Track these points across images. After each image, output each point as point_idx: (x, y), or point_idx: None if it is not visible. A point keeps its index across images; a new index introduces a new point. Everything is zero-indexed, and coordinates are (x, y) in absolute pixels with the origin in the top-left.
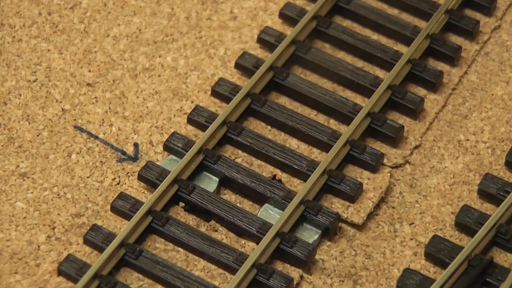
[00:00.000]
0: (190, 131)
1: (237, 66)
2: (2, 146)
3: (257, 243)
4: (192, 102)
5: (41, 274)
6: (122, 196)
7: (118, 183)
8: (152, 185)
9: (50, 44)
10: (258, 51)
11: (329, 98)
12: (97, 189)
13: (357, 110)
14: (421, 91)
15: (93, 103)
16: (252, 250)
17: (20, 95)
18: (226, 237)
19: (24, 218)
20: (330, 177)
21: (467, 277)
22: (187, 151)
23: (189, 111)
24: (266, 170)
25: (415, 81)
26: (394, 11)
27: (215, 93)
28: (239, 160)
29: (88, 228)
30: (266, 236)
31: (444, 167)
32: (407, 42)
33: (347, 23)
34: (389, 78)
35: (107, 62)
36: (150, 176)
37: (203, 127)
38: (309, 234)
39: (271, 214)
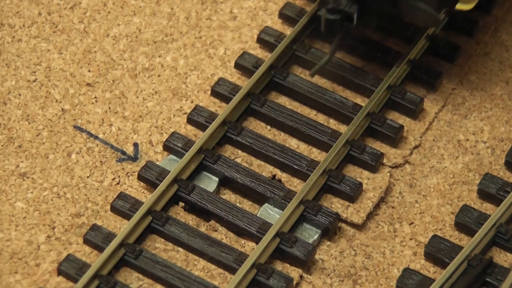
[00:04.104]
0: (190, 131)
1: (237, 66)
2: (2, 146)
3: (257, 243)
4: (192, 102)
5: (41, 274)
6: (122, 196)
7: (118, 183)
8: (152, 185)
9: (50, 44)
10: (258, 51)
11: (329, 98)
12: (97, 189)
13: (357, 110)
14: (421, 91)
15: (93, 103)
16: (252, 250)
17: (20, 95)
18: (226, 237)
19: (24, 218)
20: (330, 177)
21: (467, 277)
22: (187, 151)
23: (189, 111)
24: (266, 170)
25: (414, 81)
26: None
27: (215, 93)
28: (239, 160)
29: (88, 228)
30: (266, 236)
31: (443, 167)
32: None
33: None
34: (388, 78)
35: (107, 62)
36: (150, 176)
37: (203, 127)
38: (309, 234)
39: (271, 214)
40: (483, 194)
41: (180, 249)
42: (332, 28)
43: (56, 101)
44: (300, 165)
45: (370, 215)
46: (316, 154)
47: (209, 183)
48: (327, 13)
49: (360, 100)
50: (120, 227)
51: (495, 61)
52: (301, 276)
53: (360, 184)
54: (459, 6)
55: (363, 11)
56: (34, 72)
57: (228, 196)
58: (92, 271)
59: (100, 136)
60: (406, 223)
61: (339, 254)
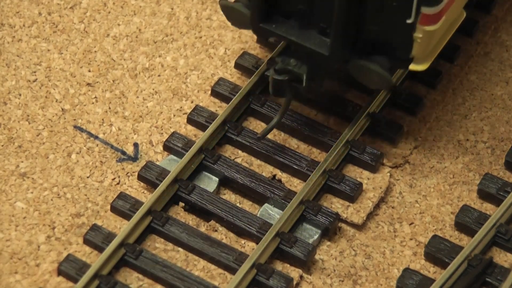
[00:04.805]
0: (190, 131)
1: (237, 66)
2: (2, 146)
3: (257, 243)
4: (192, 102)
5: (41, 274)
6: (122, 196)
7: (118, 183)
8: (152, 185)
9: (50, 44)
10: (258, 51)
11: (328, 98)
12: (97, 189)
13: (357, 109)
14: (421, 90)
15: (93, 103)
16: (252, 250)
17: (20, 95)
18: (226, 237)
19: (24, 218)
20: (330, 177)
21: (467, 277)
22: (187, 151)
23: (189, 111)
24: (266, 170)
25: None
26: None
27: (215, 93)
28: (239, 160)
29: (88, 228)
30: (266, 236)
31: (443, 167)
32: None
33: None
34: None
35: (107, 62)
36: (150, 176)
37: (203, 127)
38: (309, 234)
39: (271, 214)
40: (483, 194)
41: (180, 249)
42: (281, 89)
43: (56, 101)
44: (300, 165)
45: (370, 215)
46: (316, 154)
47: (209, 183)
48: (274, 73)
49: (360, 100)
50: (120, 227)
51: (495, 61)
52: (301, 276)
53: (360, 184)
54: (412, 67)
55: (313, 71)
56: (34, 72)
57: (228, 196)
58: (92, 271)
59: (100, 136)
60: (406, 223)
61: (339, 254)
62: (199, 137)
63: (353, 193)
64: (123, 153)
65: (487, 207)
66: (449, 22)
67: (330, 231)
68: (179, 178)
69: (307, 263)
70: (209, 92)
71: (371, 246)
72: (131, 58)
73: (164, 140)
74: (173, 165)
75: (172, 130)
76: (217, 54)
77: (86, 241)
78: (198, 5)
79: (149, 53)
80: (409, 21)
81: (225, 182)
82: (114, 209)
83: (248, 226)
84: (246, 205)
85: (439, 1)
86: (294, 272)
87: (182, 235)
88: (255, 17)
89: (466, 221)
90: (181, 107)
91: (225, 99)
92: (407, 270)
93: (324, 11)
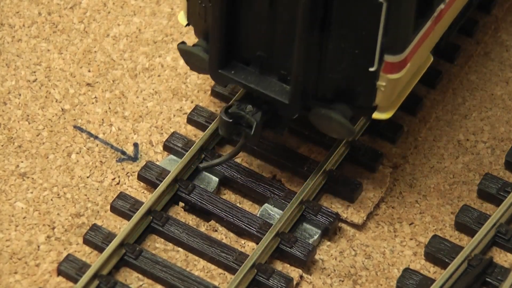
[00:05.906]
0: (190, 131)
1: None
2: (2, 146)
3: (257, 243)
4: (192, 102)
5: (41, 274)
6: (122, 196)
7: (118, 183)
8: (152, 185)
9: (50, 44)
10: None
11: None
12: (97, 189)
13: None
14: (421, 90)
15: (93, 103)
16: (252, 250)
17: (20, 95)
18: (226, 237)
19: (24, 218)
20: (330, 177)
21: (467, 277)
22: (187, 151)
23: (189, 111)
24: (266, 170)
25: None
26: None
27: (215, 93)
28: (239, 160)
29: (88, 228)
30: (266, 236)
31: (443, 167)
32: None
33: None
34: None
35: (107, 62)
36: (150, 176)
37: (203, 127)
38: (309, 234)
39: (271, 214)
40: (483, 194)
41: (180, 249)
42: (230, 132)
43: (56, 101)
44: (300, 165)
45: (370, 215)
46: (316, 154)
47: (209, 183)
48: (224, 113)
49: None
50: (120, 227)
51: (495, 61)
52: (301, 276)
53: (360, 184)
54: (376, 115)
55: (272, 118)
56: (34, 72)
57: (228, 196)
58: (92, 271)
59: (100, 136)
60: (406, 223)
61: (339, 254)
62: (199, 137)
63: (353, 193)
64: (123, 153)
65: (487, 207)
66: (414, 69)
67: (330, 231)
68: (179, 178)
69: (307, 263)
70: (209, 92)
71: (371, 246)
72: (131, 58)
73: (164, 140)
74: (173, 165)
75: (172, 130)
76: None
77: (86, 241)
78: None
79: (149, 53)
80: (372, 69)
81: (225, 182)
82: (114, 209)
83: (248, 226)
84: (246, 205)
85: (403, 48)
86: (294, 272)
87: (182, 235)
88: (213, 63)
89: (466, 221)
90: (181, 107)
91: (225, 99)
92: (407, 270)
93: (284, 58)
